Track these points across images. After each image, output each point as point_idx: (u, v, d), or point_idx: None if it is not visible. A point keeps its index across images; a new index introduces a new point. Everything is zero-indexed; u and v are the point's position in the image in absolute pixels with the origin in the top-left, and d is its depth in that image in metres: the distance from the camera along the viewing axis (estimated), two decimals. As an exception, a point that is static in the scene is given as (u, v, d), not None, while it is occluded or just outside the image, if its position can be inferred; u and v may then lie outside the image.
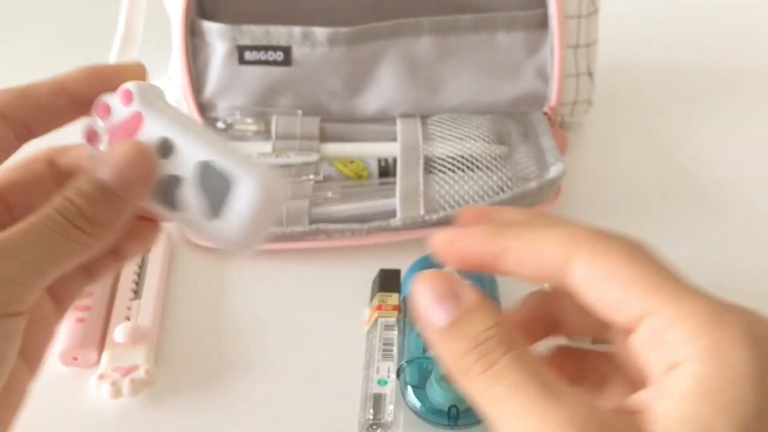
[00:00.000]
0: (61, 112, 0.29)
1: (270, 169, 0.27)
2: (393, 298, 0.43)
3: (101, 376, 0.40)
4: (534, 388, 0.21)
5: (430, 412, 0.37)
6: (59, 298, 0.31)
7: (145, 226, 0.31)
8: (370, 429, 0.37)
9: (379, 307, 0.42)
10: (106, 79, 0.29)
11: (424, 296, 0.24)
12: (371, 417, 0.37)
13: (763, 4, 0.82)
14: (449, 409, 0.36)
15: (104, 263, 0.32)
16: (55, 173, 0.31)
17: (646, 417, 0.21)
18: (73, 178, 0.27)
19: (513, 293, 0.44)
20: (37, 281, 0.25)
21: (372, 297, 0.44)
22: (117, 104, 0.28)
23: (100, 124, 0.28)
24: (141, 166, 0.27)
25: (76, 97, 0.29)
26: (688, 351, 0.21)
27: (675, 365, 0.21)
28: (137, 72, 0.30)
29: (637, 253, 0.24)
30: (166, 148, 0.27)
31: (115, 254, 0.32)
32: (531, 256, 0.25)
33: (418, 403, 0.37)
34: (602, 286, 0.23)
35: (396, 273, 0.45)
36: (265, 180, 0.26)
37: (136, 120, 0.28)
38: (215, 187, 0.27)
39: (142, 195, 0.28)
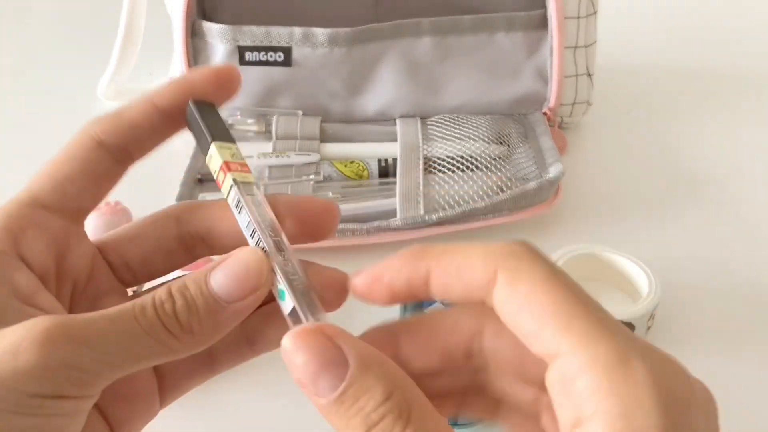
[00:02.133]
0: (156, 131, 0.27)
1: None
2: (236, 151, 0.28)
3: None
4: None
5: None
6: (167, 381, 0.27)
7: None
8: None
9: (227, 167, 0.27)
10: (193, 87, 0.26)
11: (304, 364, 0.21)
12: None
13: (762, 5, 0.82)
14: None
15: (231, 353, 0.27)
16: (182, 232, 0.27)
17: None
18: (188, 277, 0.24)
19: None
20: (107, 373, 0.22)
21: (204, 151, 0.28)
22: None
23: None
24: (258, 280, 0.23)
25: (168, 112, 0.27)
26: (595, 408, 0.19)
27: (581, 421, 0.19)
28: (233, 79, 0.27)
29: (558, 277, 0.21)
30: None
31: (248, 343, 0.27)
32: (453, 278, 0.22)
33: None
34: (519, 313, 0.21)
35: (212, 107, 0.28)
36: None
37: None
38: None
39: (249, 311, 0.24)
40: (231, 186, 0.26)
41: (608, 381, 0.19)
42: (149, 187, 0.54)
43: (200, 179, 0.53)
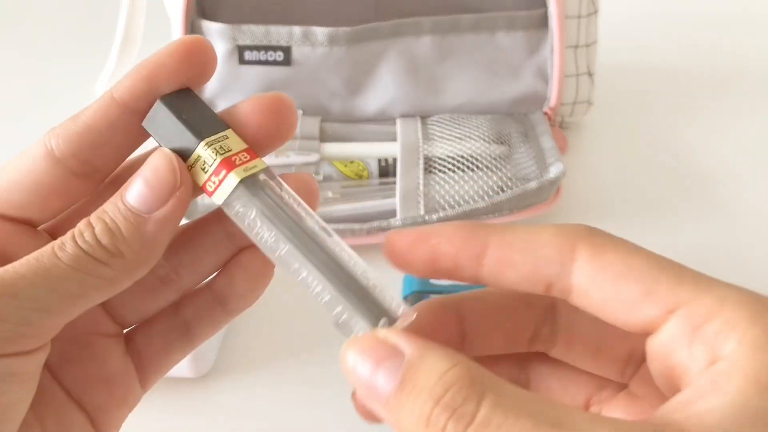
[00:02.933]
0: (119, 133, 0.22)
1: None
2: (232, 139, 0.22)
3: None
4: (534, 429, 0.16)
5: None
6: (146, 361, 0.25)
7: (254, 259, 0.24)
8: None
9: (229, 163, 0.21)
10: (159, 71, 0.22)
11: (359, 368, 0.19)
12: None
13: (762, 5, 0.82)
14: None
15: (205, 318, 0.25)
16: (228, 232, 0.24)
17: (690, 422, 0.17)
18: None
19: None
20: (42, 321, 0.21)
21: (187, 156, 0.22)
22: None
23: None
24: (172, 179, 0.21)
25: (132, 108, 0.22)
26: (736, 342, 0.18)
27: (718, 359, 0.18)
28: (194, 49, 0.22)
29: (641, 248, 0.20)
30: None
31: (221, 305, 0.25)
32: (521, 253, 0.20)
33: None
34: (616, 283, 0.19)
35: (187, 94, 0.22)
36: None
37: None
38: None
39: (175, 219, 0.21)
40: (239, 188, 0.21)
41: (747, 315, 0.18)
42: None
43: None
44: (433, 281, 0.43)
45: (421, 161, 0.52)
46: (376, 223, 0.48)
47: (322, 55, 0.55)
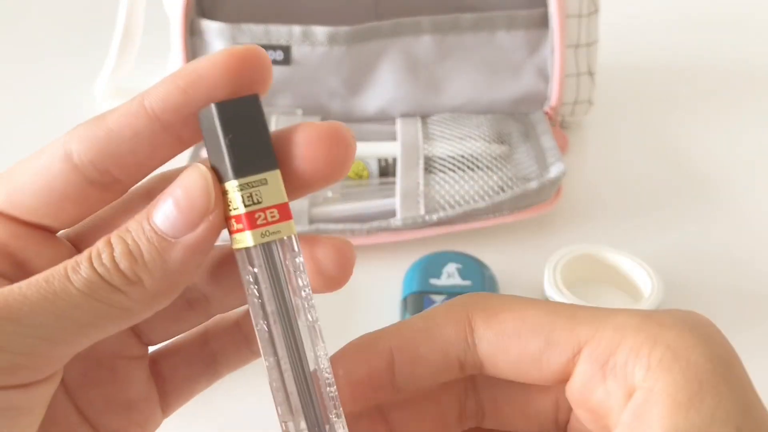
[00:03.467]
0: (147, 144, 0.19)
1: None
2: (271, 186, 0.19)
3: None
4: None
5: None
6: (169, 388, 0.24)
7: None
8: None
9: (251, 220, 0.19)
10: (200, 81, 0.19)
11: None
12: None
13: (762, 5, 0.82)
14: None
15: (231, 353, 0.24)
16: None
17: None
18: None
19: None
20: (49, 351, 0.18)
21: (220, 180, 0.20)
22: None
23: None
24: (205, 202, 0.19)
25: (163, 120, 0.19)
26: (644, 368, 0.18)
27: (633, 389, 0.18)
28: (247, 60, 0.19)
29: (532, 300, 0.20)
30: None
31: (247, 341, 0.24)
32: (424, 345, 0.20)
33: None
34: (518, 341, 0.19)
35: (251, 105, 0.19)
36: None
37: None
38: None
39: (205, 246, 0.19)
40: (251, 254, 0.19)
41: (647, 340, 0.18)
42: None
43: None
44: (432, 281, 0.42)
45: (422, 161, 0.52)
46: (376, 223, 0.48)
47: (322, 55, 0.55)
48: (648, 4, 0.82)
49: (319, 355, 0.20)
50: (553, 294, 0.42)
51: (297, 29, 0.54)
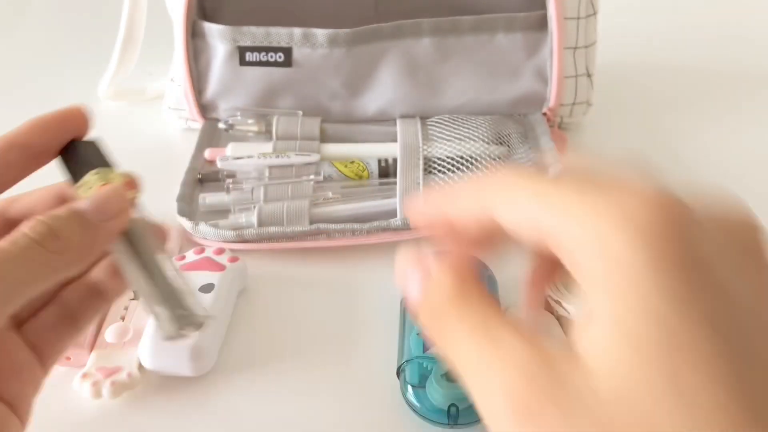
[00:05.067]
0: (13, 166, 0.30)
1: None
2: (114, 173, 0.31)
3: (84, 375, 0.39)
4: (476, 336, 0.21)
5: (430, 411, 0.37)
6: (41, 350, 0.31)
7: None
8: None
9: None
10: (49, 126, 0.31)
11: (400, 272, 0.26)
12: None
13: (763, 4, 0.83)
14: (449, 408, 0.37)
15: (87, 306, 0.32)
16: (8, 225, 0.30)
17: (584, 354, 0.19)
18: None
19: (513, 294, 0.44)
20: (5, 306, 0.25)
21: (75, 174, 0.31)
22: None
23: None
24: (118, 201, 0.29)
25: (26, 149, 0.30)
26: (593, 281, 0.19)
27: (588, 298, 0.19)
28: (76, 117, 0.31)
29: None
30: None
31: (99, 295, 0.32)
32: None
33: (418, 403, 0.37)
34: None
35: (93, 144, 0.33)
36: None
37: None
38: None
39: (116, 229, 0.29)
40: None
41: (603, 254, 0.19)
42: (149, 188, 0.54)
43: (200, 179, 0.53)
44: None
45: (421, 162, 0.52)
46: (376, 223, 0.48)
47: (323, 57, 0.55)
48: (646, 6, 0.83)
49: (162, 265, 0.30)
50: (551, 292, 0.42)
51: (297, 31, 0.55)
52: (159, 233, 0.32)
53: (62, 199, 0.32)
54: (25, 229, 0.27)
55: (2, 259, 0.26)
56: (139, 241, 0.31)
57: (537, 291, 0.27)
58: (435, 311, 0.23)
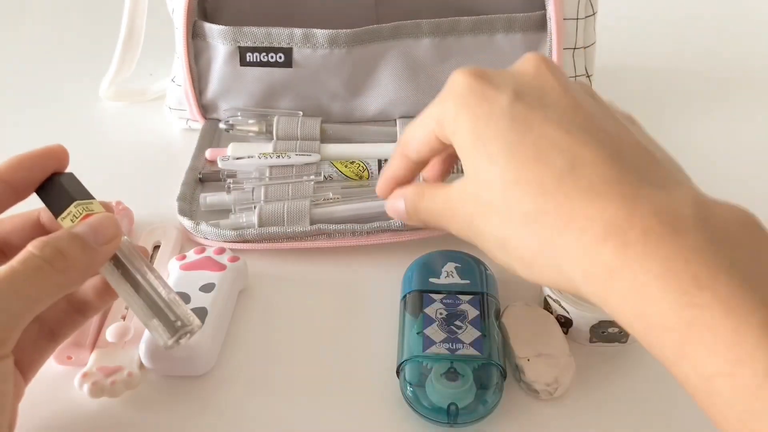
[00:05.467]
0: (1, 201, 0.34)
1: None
2: (95, 204, 0.35)
3: (85, 375, 0.39)
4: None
5: (429, 410, 0.37)
6: (22, 363, 0.34)
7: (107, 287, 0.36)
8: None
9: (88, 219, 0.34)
10: (33, 163, 0.34)
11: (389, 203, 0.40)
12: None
13: (762, 5, 0.83)
14: (449, 406, 0.37)
15: (66, 323, 0.36)
16: None
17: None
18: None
19: (513, 293, 0.44)
20: (17, 324, 0.29)
21: (58, 208, 0.35)
22: None
23: None
24: (112, 228, 0.33)
25: (10, 184, 0.34)
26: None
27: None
28: (58, 154, 0.35)
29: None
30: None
31: (79, 311, 0.36)
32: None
33: (417, 402, 0.37)
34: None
35: (72, 176, 0.36)
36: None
37: None
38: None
39: (111, 251, 0.34)
40: None
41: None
42: (151, 188, 0.55)
43: (201, 179, 0.54)
44: (431, 280, 0.43)
45: (421, 162, 0.52)
46: (376, 224, 0.48)
47: (323, 57, 0.55)
48: (645, 7, 0.83)
49: (152, 281, 0.34)
50: (551, 292, 0.42)
51: (298, 32, 0.55)
52: (142, 252, 0.36)
53: (39, 226, 0.36)
54: (34, 250, 0.31)
55: (16, 278, 0.29)
56: (128, 261, 0.34)
57: (442, 166, 0.42)
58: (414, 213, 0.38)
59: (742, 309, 0.24)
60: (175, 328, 0.33)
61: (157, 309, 0.34)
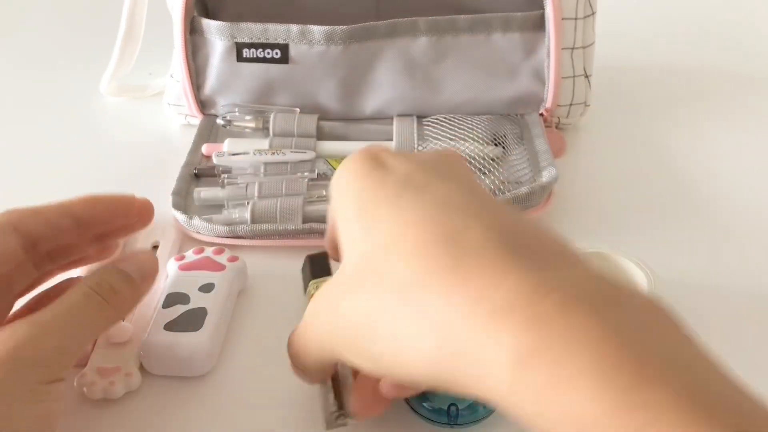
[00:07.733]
0: (65, 231, 0.35)
1: None
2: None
3: (84, 375, 0.38)
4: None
5: (429, 411, 0.37)
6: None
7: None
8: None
9: None
10: (109, 207, 0.37)
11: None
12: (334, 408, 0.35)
13: (762, 5, 0.82)
14: (449, 407, 0.36)
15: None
16: (26, 238, 0.35)
17: None
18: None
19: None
20: (77, 351, 0.33)
21: (305, 286, 0.43)
22: None
23: None
24: (155, 268, 0.37)
25: (80, 220, 0.36)
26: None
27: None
28: (144, 206, 0.39)
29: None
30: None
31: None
32: None
33: (417, 402, 0.37)
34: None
35: (324, 256, 0.43)
36: None
37: None
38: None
39: (151, 287, 0.37)
40: None
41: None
42: (146, 182, 0.55)
43: (196, 174, 0.54)
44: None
45: (416, 160, 0.52)
46: (368, 222, 0.48)
47: (319, 54, 0.55)
48: (644, 7, 0.82)
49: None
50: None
51: (294, 28, 0.55)
52: (143, 253, 0.40)
53: (76, 220, 0.36)
54: (92, 285, 0.34)
55: (79, 312, 0.33)
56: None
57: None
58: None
59: None
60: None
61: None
